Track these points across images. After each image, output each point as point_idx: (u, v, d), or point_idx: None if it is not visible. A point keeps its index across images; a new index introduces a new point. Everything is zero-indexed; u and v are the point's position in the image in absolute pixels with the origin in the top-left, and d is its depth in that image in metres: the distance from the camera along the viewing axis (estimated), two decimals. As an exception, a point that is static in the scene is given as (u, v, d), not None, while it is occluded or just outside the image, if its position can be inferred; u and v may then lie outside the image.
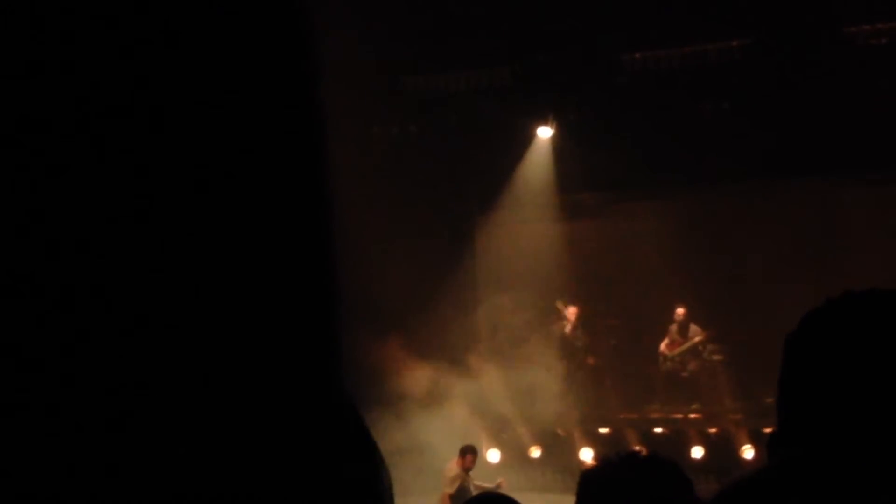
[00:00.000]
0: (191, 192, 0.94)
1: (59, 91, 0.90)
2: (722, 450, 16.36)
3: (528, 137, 18.65)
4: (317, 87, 1.05)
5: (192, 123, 0.94)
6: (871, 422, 1.72)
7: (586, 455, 17.09)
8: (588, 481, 3.05)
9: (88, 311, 0.91)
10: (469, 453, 14.86)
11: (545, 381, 18.11)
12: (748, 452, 16.25)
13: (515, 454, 17.66)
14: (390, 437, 15.15)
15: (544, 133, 18.49)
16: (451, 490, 14.70)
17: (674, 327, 18.17)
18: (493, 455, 17.51)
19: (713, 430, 17.35)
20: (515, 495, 3.62)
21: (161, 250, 0.93)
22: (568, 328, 18.68)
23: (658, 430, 17.69)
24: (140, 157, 0.92)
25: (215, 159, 0.95)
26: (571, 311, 18.72)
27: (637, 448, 3.42)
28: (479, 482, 14.66)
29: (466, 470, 14.79)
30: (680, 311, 18.03)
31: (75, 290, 0.91)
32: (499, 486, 14.78)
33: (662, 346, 18.24)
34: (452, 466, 14.91)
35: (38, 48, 0.91)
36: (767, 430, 14.43)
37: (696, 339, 18.01)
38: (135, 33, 0.92)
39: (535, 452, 17.81)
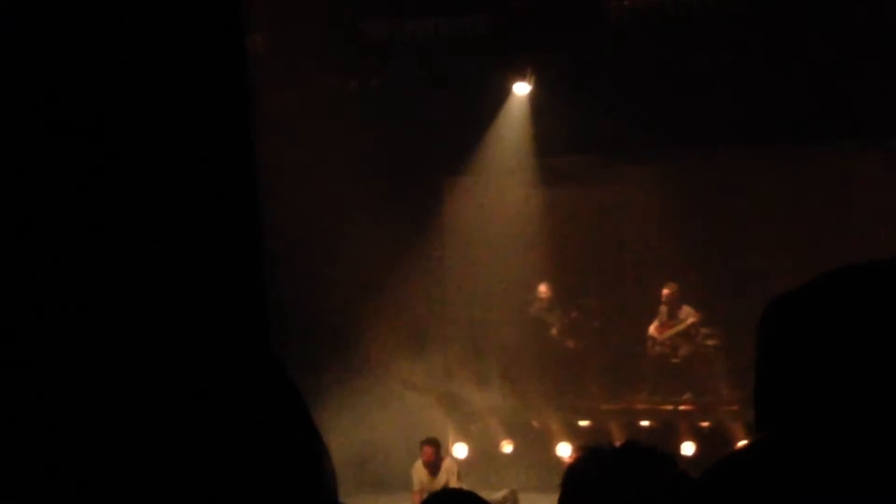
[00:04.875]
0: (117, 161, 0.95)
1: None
2: (716, 445, 16.44)
3: (503, 93, 18.63)
4: (241, 35, 1.06)
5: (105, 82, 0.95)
6: (845, 406, 1.80)
7: (564, 450, 17.18)
8: (576, 474, 3.07)
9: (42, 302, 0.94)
10: (425, 445, 14.93)
11: (519, 367, 18.16)
12: (745, 448, 16.35)
13: (485, 448, 17.72)
14: (348, 430, 15.18)
15: (521, 89, 18.48)
16: (416, 489, 14.80)
17: (663, 308, 18.25)
18: (460, 450, 17.57)
19: (706, 423, 17.46)
20: (485, 494, 3.65)
21: (88, 223, 0.95)
22: (541, 308, 18.73)
23: (645, 422, 17.79)
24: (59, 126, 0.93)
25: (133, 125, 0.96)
26: (542, 290, 18.75)
27: (632, 439, 3.46)
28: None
29: (428, 465, 14.85)
30: (670, 289, 18.09)
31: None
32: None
33: (651, 328, 18.32)
34: (417, 466, 15.01)
35: None
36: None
37: (689, 321, 18.09)
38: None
39: (507, 447, 17.88)
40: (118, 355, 1.03)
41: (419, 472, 15.02)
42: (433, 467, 14.93)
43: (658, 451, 3.10)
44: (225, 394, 1.06)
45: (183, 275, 1.06)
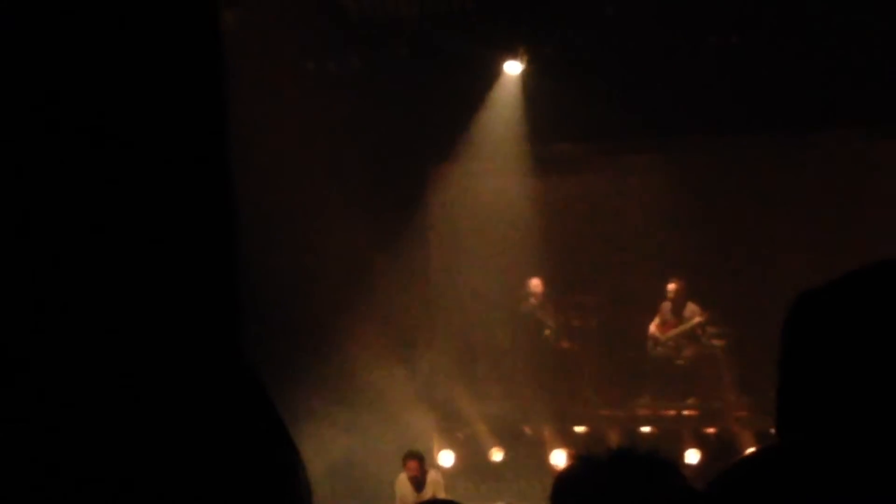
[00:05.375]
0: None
1: None
2: (722, 453, 16.47)
3: (493, 74, 18.59)
4: (215, 16, 1.07)
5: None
6: (872, 409, 1.79)
7: (559, 458, 17.17)
8: (565, 484, 3.07)
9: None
10: (409, 460, 14.92)
11: (510, 369, 18.14)
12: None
13: (473, 457, 17.72)
14: (327, 439, 15.19)
15: (513, 69, 18.44)
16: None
17: (666, 305, 18.24)
18: (446, 458, 17.56)
19: (712, 430, 17.47)
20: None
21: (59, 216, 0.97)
22: (533, 305, 18.68)
23: (646, 429, 17.80)
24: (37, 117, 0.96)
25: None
26: (535, 284, 18.71)
27: (626, 445, 3.44)
28: None
29: (414, 481, 14.86)
30: (674, 285, 18.10)
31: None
32: None
33: (652, 327, 18.31)
34: (401, 480, 15.00)
35: None
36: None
37: (694, 320, 18.09)
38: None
39: (497, 455, 17.87)
40: (79, 360, 1.04)
41: (403, 486, 15.00)
42: (418, 482, 14.92)
43: (657, 456, 3.07)
44: (191, 401, 1.07)
45: (146, 274, 1.07)
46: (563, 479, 3.11)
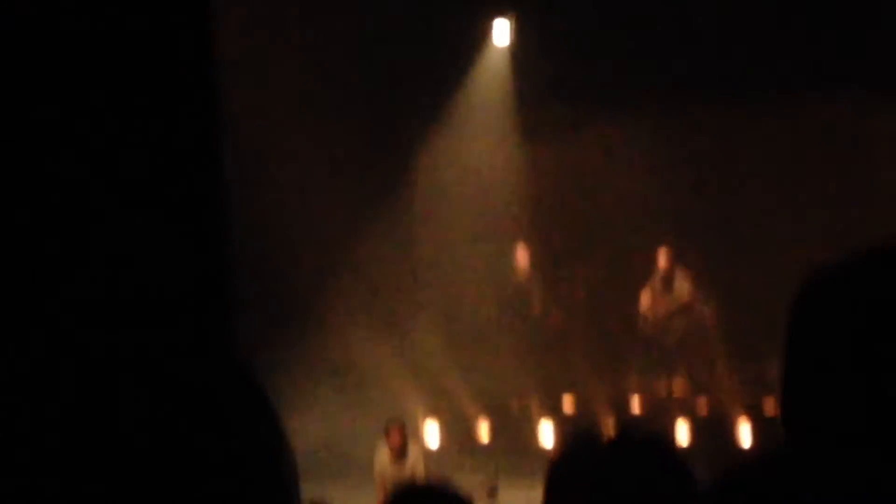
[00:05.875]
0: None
1: None
2: (713, 431, 16.58)
3: (481, 36, 18.63)
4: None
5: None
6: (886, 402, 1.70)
7: (546, 432, 17.28)
8: (561, 471, 3.02)
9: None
10: (391, 428, 14.92)
11: (497, 342, 18.22)
12: (746, 434, 16.43)
13: (458, 431, 17.80)
14: (311, 414, 15.26)
15: (502, 31, 18.47)
16: (379, 478, 14.82)
17: (657, 277, 18.29)
18: (432, 431, 17.66)
19: (703, 407, 17.55)
20: (459, 480, 3.63)
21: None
22: (520, 276, 18.74)
23: (634, 405, 17.87)
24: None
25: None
26: (522, 255, 18.76)
27: (625, 426, 3.40)
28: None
29: (395, 450, 14.87)
30: (666, 256, 18.13)
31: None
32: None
33: (643, 300, 18.35)
34: (382, 453, 14.99)
35: None
36: (770, 410, 14.44)
37: (686, 292, 18.12)
38: None
39: (484, 429, 17.97)
40: (78, 347, 1.05)
41: (383, 458, 15.02)
42: (400, 452, 14.95)
43: (657, 441, 3.04)
44: (176, 382, 1.08)
45: (135, 257, 1.07)
46: (559, 466, 3.05)
